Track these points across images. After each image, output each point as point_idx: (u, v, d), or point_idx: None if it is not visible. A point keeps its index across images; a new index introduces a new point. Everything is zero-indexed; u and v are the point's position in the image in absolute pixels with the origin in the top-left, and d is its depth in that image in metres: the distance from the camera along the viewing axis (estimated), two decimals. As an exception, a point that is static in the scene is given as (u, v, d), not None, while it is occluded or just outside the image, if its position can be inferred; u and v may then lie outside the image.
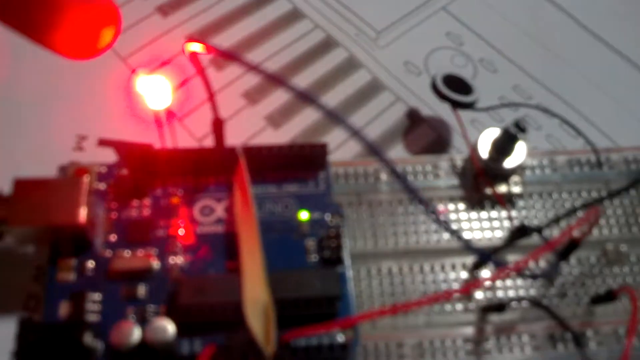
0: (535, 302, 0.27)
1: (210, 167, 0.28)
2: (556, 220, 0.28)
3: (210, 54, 0.22)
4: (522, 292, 0.27)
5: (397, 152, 0.32)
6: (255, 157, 0.28)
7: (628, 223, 0.29)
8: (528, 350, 0.26)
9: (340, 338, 0.25)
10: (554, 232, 0.29)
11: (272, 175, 0.29)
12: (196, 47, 0.21)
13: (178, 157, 0.28)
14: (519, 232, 0.28)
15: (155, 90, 0.23)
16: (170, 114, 0.25)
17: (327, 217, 0.28)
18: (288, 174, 0.29)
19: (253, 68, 0.22)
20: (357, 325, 0.25)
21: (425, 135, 0.33)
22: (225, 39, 0.35)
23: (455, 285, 0.27)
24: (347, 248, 0.27)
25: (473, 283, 0.26)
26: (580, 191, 0.30)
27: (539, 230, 0.27)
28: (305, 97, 0.30)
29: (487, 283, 0.27)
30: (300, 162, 0.28)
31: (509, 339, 0.27)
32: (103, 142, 0.29)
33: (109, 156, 0.28)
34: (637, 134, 0.33)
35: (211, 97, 0.23)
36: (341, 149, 0.32)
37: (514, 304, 0.27)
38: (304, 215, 0.28)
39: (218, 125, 0.26)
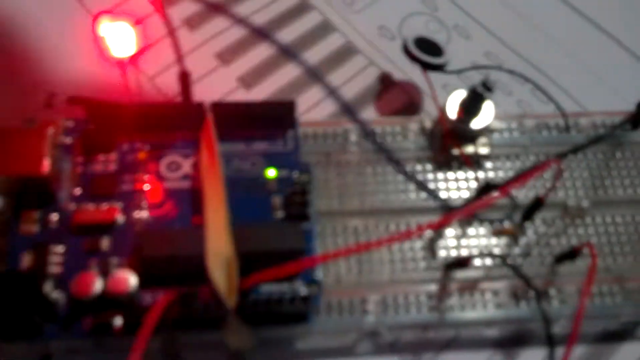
0: (494, 256, 0.27)
1: (177, 123, 0.28)
2: (517, 177, 0.28)
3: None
4: (486, 251, 0.28)
5: (369, 115, 0.32)
6: (223, 114, 0.28)
7: (592, 184, 0.30)
8: (491, 307, 0.27)
9: (303, 291, 0.25)
10: (520, 192, 0.29)
11: (240, 132, 0.29)
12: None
13: (145, 113, 0.28)
14: (484, 190, 0.28)
15: (119, 37, 0.23)
16: (134, 61, 0.25)
17: (295, 175, 0.28)
18: (256, 132, 0.29)
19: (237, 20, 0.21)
20: (320, 280, 0.26)
21: (396, 98, 0.33)
22: (191, 5, 0.35)
23: (419, 244, 0.28)
24: (314, 205, 0.27)
25: (428, 225, 0.26)
26: (547, 154, 0.30)
27: (501, 186, 0.27)
28: (287, 53, 0.30)
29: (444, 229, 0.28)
30: (269, 120, 0.28)
31: (472, 296, 0.27)
32: (72, 100, 0.29)
33: (80, 114, 0.28)
34: (606, 99, 0.33)
35: (177, 51, 0.23)
36: (312, 110, 0.32)
37: (477, 261, 0.27)
38: (271, 172, 0.28)
39: (184, 79, 0.26)
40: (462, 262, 0.26)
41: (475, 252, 0.28)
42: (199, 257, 0.24)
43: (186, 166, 0.28)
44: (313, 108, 0.32)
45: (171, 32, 0.23)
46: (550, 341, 0.25)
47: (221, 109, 0.28)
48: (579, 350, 0.28)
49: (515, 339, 0.27)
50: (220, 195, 0.26)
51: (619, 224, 0.29)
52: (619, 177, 0.30)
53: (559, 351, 0.27)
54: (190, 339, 0.25)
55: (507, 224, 0.28)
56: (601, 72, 0.35)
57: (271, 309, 0.25)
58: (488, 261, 0.27)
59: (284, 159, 0.28)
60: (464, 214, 0.26)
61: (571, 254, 0.26)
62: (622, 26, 0.36)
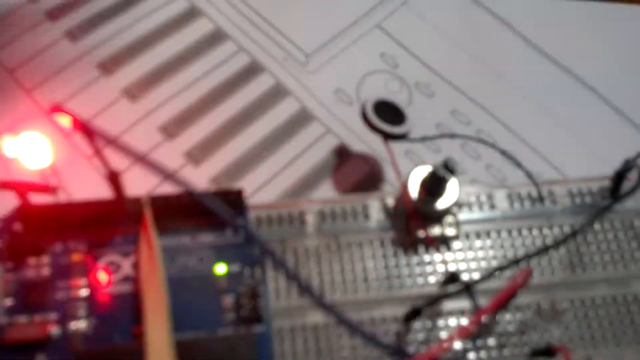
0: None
1: (114, 220, 0.26)
2: (488, 276, 0.26)
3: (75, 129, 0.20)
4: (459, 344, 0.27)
5: (326, 191, 0.31)
6: (164, 207, 0.26)
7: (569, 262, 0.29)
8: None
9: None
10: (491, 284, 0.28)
11: (185, 224, 0.27)
12: (62, 118, 0.19)
13: (78, 210, 0.26)
14: (450, 281, 0.26)
15: (31, 150, 0.21)
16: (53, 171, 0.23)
17: (246, 270, 0.26)
18: (203, 222, 0.27)
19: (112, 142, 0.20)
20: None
21: (355, 171, 0.32)
22: (143, 64, 0.33)
23: (385, 339, 0.26)
24: (268, 304, 0.26)
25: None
26: (520, 229, 0.29)
27: (467, 286, 0.26)
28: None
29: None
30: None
31: (443, 400, 0.26)
32: (2, 185, 0.27)
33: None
34: (583, 161, 0.32)
35: (97, 152, 0.21)
36: (264, 188, 0.31)
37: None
38: (220, 268, 0.26)
39: (114, 178, 0.24)
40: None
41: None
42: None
43: (126, 266, 0.26)
44: (265, 185, 0.31)
45: (95, 149, 0.21)
46: None
47: (160, 202, 0.26)
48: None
49: None
50: (162, 304, 0.24)
51: (599, 306, 0.28)
52: (598, 252, 0.29)
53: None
54: None
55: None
56: (578, 130, 0.33)
57: None
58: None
59: (235, 252, 0.27)
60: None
61: (547, 352, 0.25)
62: (603, 78, 0.35)
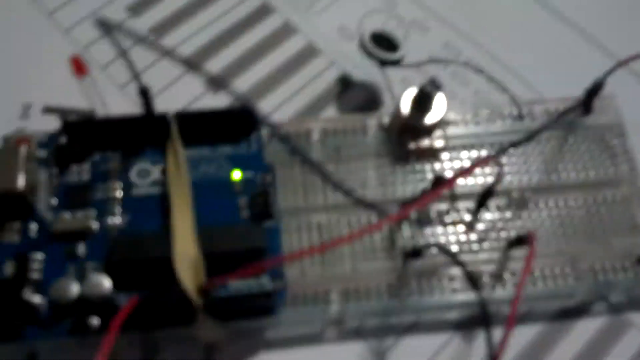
0: (441, 248, 0.29)
1: (145, 133, 0.30)
2: (465, 171, 0.30)
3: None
4: (443, 239, 0.30)
5: (330, 115, 0.35)
6: (187, 123, 0.30)
7: (545, 169, 0.32)
8: (448, 292, 0.29)
9: (269, 286, 0.27)
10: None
11: (206, 138, 0.31)
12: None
13: (114, 125, 0.30)
14: (436, 183, 0.30)
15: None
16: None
17: (259, 176, 0.30)
18: (221, 137, 0.31)
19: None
20: (285, 274, 0.28)
21: (356, 97, 0.35)
22: (158, 12, 0.37)
23: (378, 237, 0.30)
24: (277, 204, 0.30)
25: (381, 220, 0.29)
26: (502, 142, 0.33)
27: (449, 180, 0.30)
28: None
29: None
30: (232, 126, 0.31)
31: (429, 282, 0.29)
32: (47, 110, 0.32)
33: (54, 123, 0.30)
34: (563, 85, 0.35)
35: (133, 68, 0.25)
36: (276, 112, 0.35)
37: (434, 250, 0.29)
38: (236, 174, 0.30)
39: (145, 94, 0.28)
40: (416, 253, 0.29)
41: (432, 239, 0.30)
42: (168, 259, 0.26)
43: (155, 173, 0.30)
44: (276, 110, 0.35)
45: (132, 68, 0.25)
46: (487, 323, 0.28)
47: (185, 118, 0.30)
48: (536, 329, 0.30)
49: (474, 321, 0.30)
50: (187, 200, 0.28)
51: (572, 207, 0.31)
52: (571, 161, 0.32)
53: (517, 331, 0.30)
54: (167, 334, 0.28)
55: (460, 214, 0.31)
56: (558, 58, 0.37)
57: (239, 304, 0.27)
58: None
59: (248, 161, 0.31)
60: (417, 206, 0.29)
61: (520, 241, 0.29)
62: (579, 10, 0.39)
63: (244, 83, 0.36)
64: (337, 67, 0.36)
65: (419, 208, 0.30)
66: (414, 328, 0.30)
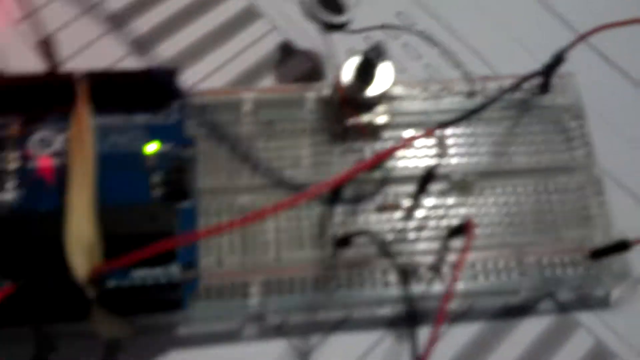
0: (370, 236, 0.27)
1: (48, 95, 0.27)
2: (392, 151, 0.27)
3: None
4: (378, 227, 0.27)
5: (267, 84, 0.31)
6: (99, 84, 0.27)
7: (495, 152, 0.29)
8: (379, 286, 0.27)
9: (177, 275, 0.24)
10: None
11: (120, 104, 0.28)
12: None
13: (11, 85, 0.27)
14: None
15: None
16: None
17: (177, 149, 0.27)
18: (138, 103, 0.28)
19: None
20: (199, 263, 0.25)
21: (298, 67, 0.32)
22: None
23: (306, 222, 0.27)
24: (197, 182, 0.27)
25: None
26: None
27: (374, 157, 0.27)
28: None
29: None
30: (149, 90, 0.28)
31: (360, 275, 0.27)
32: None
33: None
34: (521, 61, 0.33)
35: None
36: (208, 79, 0.31)
37: (364, 238, 0.27)
38: (151, 147, 0.27)
39: (46, 47, 0.25)
40: (344, 241, 0.26)
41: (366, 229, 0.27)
42: (58, 241, 0.23)
43: (58, 142, 0.27)
44: (208, 77, 0.31)
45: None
46: (413, 322, 0.25)
47: (95, 78, 0.27)
48: (476, 327, 0.28)
49: (409, 318, 0.27)
50: (87, 174, 0.25)
51: (520, 195, 0.29)
52: (523, 144, 0.30)
53: (455, 330, 0.27)
54: (61, 329, 0.25)
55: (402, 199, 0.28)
56: (518, 35, 0.34)
57: (141, 296, 0.24)
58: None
59: (167, 133, 0.28)
60: (333, 184, 0.26)
61: (459, 230, 0.26)
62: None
63: (173, 46, 0.32)
64: (279, 33, 0.33)
65: (335, 186, 0.26)
66: (342, 325, 0.27)
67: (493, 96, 0.29)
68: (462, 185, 0.28)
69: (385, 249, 0.26)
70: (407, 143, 0.26)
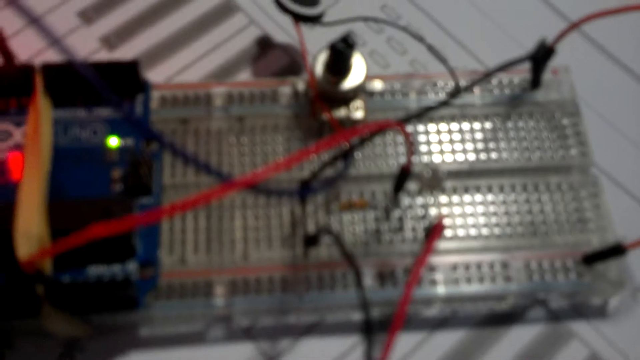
0: (331, 235, 0.25)
1: (6, 88, 0.26)
2: (361, 142, 0.26)
3: None
4: (353, 227, 0.26)
5: (244, 78, 0.30)
6: (58, 77, 0.26)
7: (485, 148, 0.28)
8: (352, 289, 0.25)
9: (133, 272, 0.23)
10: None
11: (82, 97, 0.27)
12: None
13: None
14: (342, 157, 0.26)
15: None
16: None
17: (140, 144, 0.26)
18: (99, 96, 0.27)
19: None
20: (160, 260, 0.24)
21: (275, 62, 0.31)
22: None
23: (276, 221, 0.26)
24: (159, 178, 0.26)
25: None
26: (432, 118, 0.28)
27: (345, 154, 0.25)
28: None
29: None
30: (113, 83, 0.27)
31: (332, 276, 0.25)
32: None
33: None
34: (508, 53, 0.31)
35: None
36: (184, 73, 0.30)
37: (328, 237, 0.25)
38: (113, 141, 0.26)
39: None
40: (312, 239, 0.24)
41: (339, 228, 0.26)
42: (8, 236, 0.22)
43: (18, 135, 0.26)
44: (182, 72, 0.30)
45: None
46: (368, 329, 0.24)
47: (54, 71, 0.26)
48: (459, 335, 0.26)
49: (384, 324, 0.26)
50: (40, 167, 0.24)
51: (509, 194, 0.27)
52: (515, 140, 0.28)
53: (437, 337, 0.26)
54: (20, 326, 0.24)
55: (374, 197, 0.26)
56: (507, 31, 0.32)
57: (92, 293, 0.23)
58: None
59: (130, 127, 0.27)
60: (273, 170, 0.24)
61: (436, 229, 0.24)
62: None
63: (149, 40, 0.31)
64: (257, 27, 0.32)
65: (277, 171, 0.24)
66: (313, 329, 0.26)
67: (463, 87, 0.28)
68: (432, 183, 0.27)
69: (343, 248, 0.24)
70: (366, 129, 0.24)
